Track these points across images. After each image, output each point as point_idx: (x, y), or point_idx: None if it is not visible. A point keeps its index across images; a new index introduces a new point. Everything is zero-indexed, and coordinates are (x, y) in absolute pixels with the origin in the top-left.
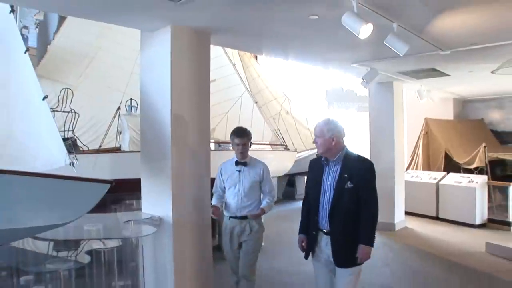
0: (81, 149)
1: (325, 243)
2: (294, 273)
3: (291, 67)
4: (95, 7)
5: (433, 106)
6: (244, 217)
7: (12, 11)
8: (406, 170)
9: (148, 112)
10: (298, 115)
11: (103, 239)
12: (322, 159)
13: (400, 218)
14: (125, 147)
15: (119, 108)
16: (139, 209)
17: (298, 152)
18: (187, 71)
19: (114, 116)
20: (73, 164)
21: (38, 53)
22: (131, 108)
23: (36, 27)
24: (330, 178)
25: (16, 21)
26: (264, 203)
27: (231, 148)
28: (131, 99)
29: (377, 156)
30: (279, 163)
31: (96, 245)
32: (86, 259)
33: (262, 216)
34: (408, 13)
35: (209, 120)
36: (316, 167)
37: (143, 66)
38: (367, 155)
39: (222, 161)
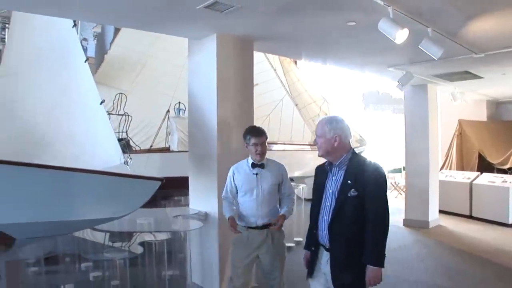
0: (133, 149)
1: (325, 260)
2: None
3: (329, 71)
4: (147, 18)
5: (467, 108)
6: (265, 226)
7: (74, 25)
8: (440, 170)
9: (196, 115)
10: None
11: (154, 232)
12: (326, 163)
13: (434, 216)
14: (174, 147)
15: (168, 111)
16: (187, 205)
17: None
18: (232, 76)
19: (164, 119)
20: (127, 163)
21: (96, 62)
22: (179, 111)
23: (94, 39)
24: (332, 186)
25: (77, 34)
26: (284, 209)
27: (272, 148)
28: (179, 102)
29: (412, 156)
30: (318, 163)
31: (148, 237)
32: (139, 249)
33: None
34: (442, 18)
35: (253, 122)
36: (320, 173)
37: (190, 71)
38: (402, 156)
39: None
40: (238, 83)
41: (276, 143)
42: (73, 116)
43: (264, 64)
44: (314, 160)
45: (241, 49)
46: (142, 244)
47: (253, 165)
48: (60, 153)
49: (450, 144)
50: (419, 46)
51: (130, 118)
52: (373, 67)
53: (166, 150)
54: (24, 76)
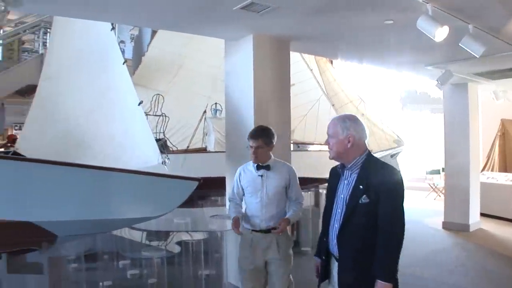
0: (170, 149)
1: (336, 271)
2: None
3: (365, 70)
4: (184, 20)
5: (510, 107)
6: (269, 230)
7: (113, 28)
8: (482, 171)
9: (233, 116)
10: (373, 117)
11: (191, 232)
12: (339, 165)
13: (474, 219)
14: (210, 147)
15: (205, 111)
16: (223, 205)
17: (373, 153)
18: (269, 77)
19: (201, 119)
20: (165, 163)
21: (134, 63)
22: (216, 111)
23: (131, 41)
24: (343, 190)
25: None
26: (290, 213)
27: (309, 149)
28: (215, 103)
29: (452, 157)
30: None
31: (185, 236)
32: (176, 249)
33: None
34: (484, 14)
35: (290, 123)
36: (333, 175)
37: (227, 72)
38: (440, 157)
39: (302, 161)
40: (274, 84)
41: (312, 144)
42: (112, 118)
43: (300, 64)
44: None
45: (278, 50)
46: (179, 243)
47: (258, 167)
48: (100, 154)
49: (492, 145)
50: (460, 44)
51: (167, 118)
52: (410, 66)
53: (203, 150)
54: (65, 79)
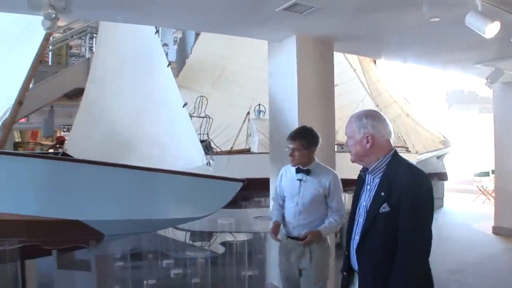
0: (214, 150)
1: None
2: None
3: (410, 70)
4: (227, 22)
5: None
6: (301, 238)
7: (157, 31)
8: None
9: (277, 117)
10: (418, 117)
11: (234, 232)
12: (361, 169)
13: None
14: (254, 148)
15: (248, 113)
16: (267, 206)
17: (419, 154)
18: (312, 78)
19: (244, 121)
20: (209, 164)
21: (178, 66)
22: (260, 113)
23: (175, 44)
24: (366, 198)
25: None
26: (324, 224)
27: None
28: (259, 104)
29: (503, 158)
30: None
31: (229, 237)
32: (220, 249)
33: (328, 238)
34: None
35: (334, 124)
36: (359, 181)
37: (270, 73)
38: (490, 158)
39: (346, 163)
40: (318, 84)
41: None
42: (157, 119)
43: (343, 65)
44: None
45: (321, 50)
46: (223, 244)
47: (298, 170)
48: (145, 155)
49: None
50: None
51: (211, 120)
52: (457, 65)
53: (247, 151)
54: (111, 82)
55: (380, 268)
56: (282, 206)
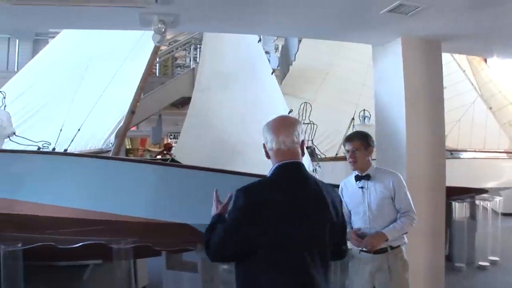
0: (319, 157)
1: None
2: None
3: None
4: (330, 28)
5: None
6: (377, 251)
7: (259, 40)
8: None
9: (383, 122)
10: None
11: None
12: None
13: None
14: None
15: (353, 118)
16: None
17: None
18: (420, 81)
19: (349, 126)
20: (316, 171)
21: (281, 73)
22: (365, 118)
23: (276, 51)
24: None
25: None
26: (389, 227)
27: (462, 156)
28: (363, 110)
29: None
30: None
31: None
32: None
33: (403, 248)
34: None
35: (444, 129)
36: None
37: (376, 78)
38: None
39: (455, 170)
40: (426, 88)
41: (466, 151)
42: (262, 126)
43: (452, 66)
44: None
45: (428, 52)
46: None
47: (357, 177)
48: (251, 160)
49: None
50: None
51: (315, 126)
52: None
53: None
54: (217, 91)
55: None
56: (350, 223)
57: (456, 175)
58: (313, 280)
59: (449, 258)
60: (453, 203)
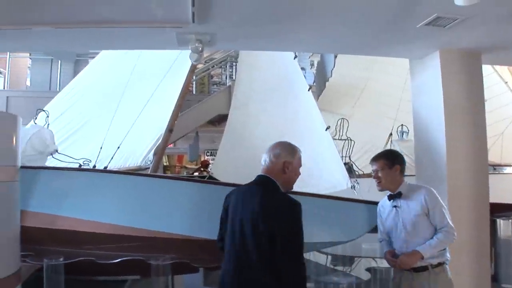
0: (356, 173)
1: None
2: None
3: None
4: (366, 43)
5: None
6: (417, 269)
7: (295, 57)
8: None
9: (422, 137)
10: None
11: (377, 258)
12: None
13: None
14: None
15: (391, 134)
16: None
17: None
18: (459, 94)
19: (387, 142)
20: (354, 187)
21: (317, 89)
22: (403, 133)
23: (311, 67)
24: None
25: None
26: (424, 244)
27: (505, 171)
28: (402, 125)
29: None
30: None
31: (373, 263)
32: (365, 275)
33: (447, 267)
34: None
35: (486, 143)
36: None
37: (414, 92)
38: None
39: (498, 185)
40: (466, 102)
41: (510, 165)
42: (301, 143)
43: (493, 77)
44: None
45: (468, 64)
46: (369, 270)
47: (390, 197)
48: None
49: None
50: None
51: (352, 142)
52: None
53: None
54: (254, 108)
55: None
56: (390, 242)
57: (500, 190)
58: None
59: (495, 279)
60: (498, 220)
